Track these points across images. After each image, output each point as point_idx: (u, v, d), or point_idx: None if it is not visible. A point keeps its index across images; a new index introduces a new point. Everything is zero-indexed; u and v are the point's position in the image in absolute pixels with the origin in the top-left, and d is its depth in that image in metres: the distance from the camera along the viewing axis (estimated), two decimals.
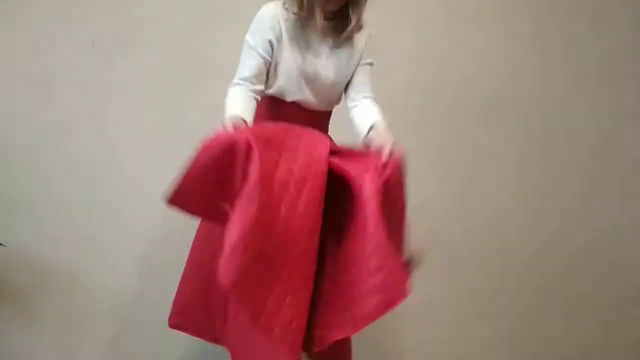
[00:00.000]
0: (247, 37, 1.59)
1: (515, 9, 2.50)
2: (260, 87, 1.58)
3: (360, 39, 1.65)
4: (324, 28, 1.58)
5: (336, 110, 1.76)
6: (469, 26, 2.47)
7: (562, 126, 2.53)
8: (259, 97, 1.58)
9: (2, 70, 2.19)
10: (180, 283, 1.66)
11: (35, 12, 2.19)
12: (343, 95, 1.73)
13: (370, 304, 1.29)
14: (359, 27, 1.60)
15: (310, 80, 1.60)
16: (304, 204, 1.40)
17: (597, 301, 2.53)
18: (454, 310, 2.42)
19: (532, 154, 2.50)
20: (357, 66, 1.66)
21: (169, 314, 1.67)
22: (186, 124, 2.15)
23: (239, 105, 1.51)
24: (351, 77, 1.68)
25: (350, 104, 1.69)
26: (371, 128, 1.57)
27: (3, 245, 1.95)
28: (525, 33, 2.50)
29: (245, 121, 1.46)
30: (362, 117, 1.63)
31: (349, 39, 1.62)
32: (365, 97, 1.67)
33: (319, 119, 1.67)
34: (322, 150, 1.49)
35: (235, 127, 1.39)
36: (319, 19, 1.54)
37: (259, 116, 1.65)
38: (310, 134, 1.55)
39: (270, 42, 1.56)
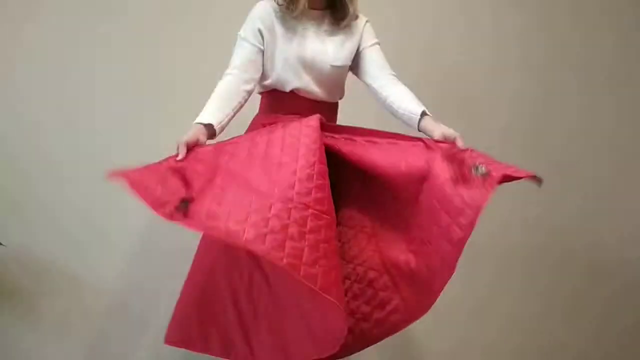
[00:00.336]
0: (240, 31, 1.64)
1: (520, 7, 2.51)
2: (252, 75, 1.60)
3: (356, 26, 1.67)
4: (317, 16, 1.63)
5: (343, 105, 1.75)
6: (466, 23, 2.48)
7: (564, 126, 2.54)
8: (249, 86, 1.59)
9: (1, 71, 2.20)
10: (180, 300, 1.58)
11: (32, 10, 2.20)
12: (348, 87, 1.73)
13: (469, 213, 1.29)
14: (355, 16, 1.64)
15: (308, 65, 1.61)
16: (303, 153, 1.40)
17: (597, 300, 2.54)
18: (452, 309, 2.43)
19: (532, 155, 2.50)
20: (357, 51, 1.67)
21: (166, 315, 1.63)
22: (184, 124, 2.14)
23: (215, 104, 1.52)
24: (359, 63, 1.68)
25: (375, 83, 1.66)
26: (423, 113, 1.56)
27: (3, 245, 1.97)
28: (531, 31, 2.52)
29: (212, 127, 1.47)
30: (404, 96, 1.61)
31: (346, 27, 1.64)
32: (391, 74, 1.67)
33: (323, 111, 1.65)
34: (313, 120, 1.49)
35: (189, 147, 1.38)
36: (301, 8, 1.57)
37: (261, 111, 1.70)
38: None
39: (260, 31, 1.60)
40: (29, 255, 2.16)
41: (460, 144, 1.45)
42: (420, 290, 1.40)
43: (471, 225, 1.28)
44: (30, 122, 2.19)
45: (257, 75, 1.62)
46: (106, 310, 2.21)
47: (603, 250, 2.54)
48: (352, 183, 1.60)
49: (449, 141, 1.46)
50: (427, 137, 1.51)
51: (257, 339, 1.52)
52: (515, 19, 2.49)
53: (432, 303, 1.38)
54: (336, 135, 1.54)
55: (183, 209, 1.23)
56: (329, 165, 1.51)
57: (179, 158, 1.35)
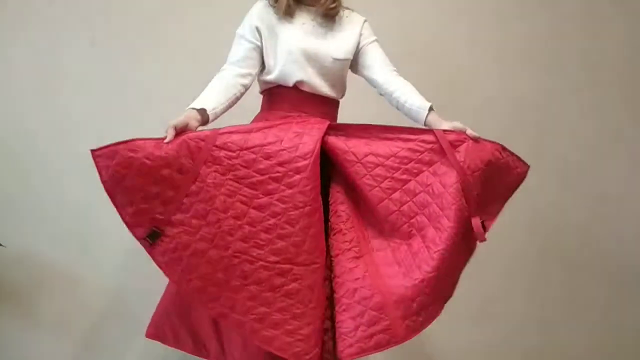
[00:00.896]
0: (238, 29, 1.66)
1: (511, 8, 2.51)
2: (248, 70, 1.62)
3: (354, 24, 1.70)
4: (312, 12, 1.65)
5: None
6: (465, 25, 2.48)
7: (559, 125, 2.53)
8: (246, 81, 1.61)
9: (2, 70, 2.20)
10: (163, 295, 1.64)
11: (34, 12, 2.20)
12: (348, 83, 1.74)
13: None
14: (344, 7, 1.68)
15: (311, 57, 1.62)
16: (298, 182, 1.44)
17: (597, 302, 2.54)
18: (456, 310, 2.42)
19: (531, 155, 2.49)
20: (357, 48, 1.69)
21: None
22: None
23: (209, 92, 1.55)
24: (360, 59, 1.69)
25: (379, 78, 1.68)
26: (431, 109, 1.59)
27: (3, 245, 1.96)
28: (520, 32, 2.51)
29: (205, 112, 1.49)
30: (410, 91, 1.64)
31: (334, 14, 1.66)
32: (393, 70, 1.69)
33: (325, 106, 1.67)
34: (316, 132, 1.51)
35: (177, 131, 1.40)
36: (285, 7, 1.60)
37: (263, 109, 1.70)
38: (304, 120, 1.58)
39: (257, 28, 1.62)
40: (28, 256, 2.16)
41: (470, 133, 1.50)
42: (410, 317, 1.44)
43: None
44: (30, 123, 2.20)
45: (254, 71, 1.64)
46: (105, 310, 2.22)
47: (604, 250, 2.54)
48: (347, 195, 1.60)
49: (459, 131, 1.50)
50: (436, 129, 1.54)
51: (228, 338, 1.56)
52: (519, 20, 2.50)
53: (416, 332, 1.44)
54: (344, 145, 1.55)
55: (151, 241, 1.37)
56: (327, 167, 1.54)
57: (165, 141, 1.37)
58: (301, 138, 1.50)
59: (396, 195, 1.51)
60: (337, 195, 1.58)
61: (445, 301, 1.49)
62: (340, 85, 1.71)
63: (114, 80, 2.23)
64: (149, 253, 1.39)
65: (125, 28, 2.24)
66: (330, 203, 1.58)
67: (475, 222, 1.45)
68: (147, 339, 1.61)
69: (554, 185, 2.50)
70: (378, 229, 1.56)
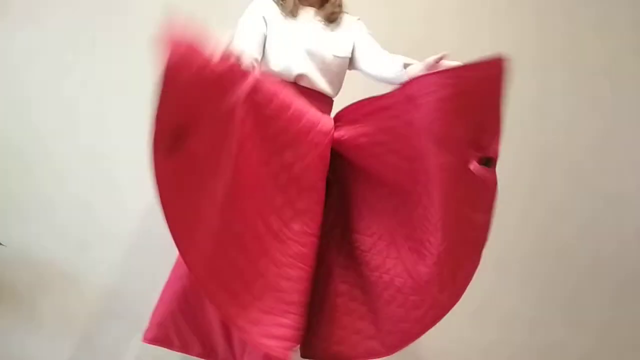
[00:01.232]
0: (241, 19, 1.67)
1: (517, 7, 2.52)
2: (256, 56, 1.62)
3: (351, 23, 1.74)
4: (312, 12, 1.69)
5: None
6: (470, 23, 2.49)
7: (559, 125, 2.53)
8: (255, 64, 1.59)
9: (5, 69, 2.21)
10: (161, 297, 1.58)
11: (34, 11, 2.21)
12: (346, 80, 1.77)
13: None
14: (336, 4, 1.71)
15: (313, 54, 1.66)
16: (314, 157, 1.49)
17: (597, 301, 2.53)
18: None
19: (530, 154, 2.50)
20: (354, 45, 1.72)
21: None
22: None
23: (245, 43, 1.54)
24: (356, 54, 1.72)
25: (374, 68, 1.69)
26: (407, 65, 1.54)
27: (3, 245, 1.96)
28: (527, 31, 2.52)
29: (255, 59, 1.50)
30: (388, 60, 1.64)
31: (335, 18, 1.70)
32: (382, 53, 1.71)
33: (322, 103, 1.70)
34: (327, 121, 1.56)
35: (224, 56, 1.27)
36: (292, 5, 1.64)
37: None
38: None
39: (264, 18, 1.65)
40: (28, 255, 2.16)
41: (446, 60, 1.41)
42: (447, 287, 1.45)
43: (490, 210, 1.39)
44: (31, 122, 2.20)
45: (259, 58, 1.65)
46: (105, 310, 2.22)
47: (603, 249, 2.54)
48: (363, 186, 1.62)
49: (434, 66, 1.40)
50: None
51: (238, 338, 1.54)
52: (519, 19, 2.51)
53: (462, 293, 1.46)
54: (345, 133, 1.56)
55: (169, 144, 1.24)
56: (339, 167, 1.57)
57: (214, 61, 1.24)
58: (322, 116, 1.56)
59: (400, 165, 1.48)
60: (351, 196, 1.62)
61: (482, 248, 1.43)
62: (337, 83, 1.74)
63: (117, 79, 2.23)
64: (156, 160, 1.26)
65: (127, 27, 2.25)
66: (345, 206, 1.62)
67: (474, 166, 1.28)
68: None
69: (554, 184, 2.51)
70: (396, 215, 1.56)
